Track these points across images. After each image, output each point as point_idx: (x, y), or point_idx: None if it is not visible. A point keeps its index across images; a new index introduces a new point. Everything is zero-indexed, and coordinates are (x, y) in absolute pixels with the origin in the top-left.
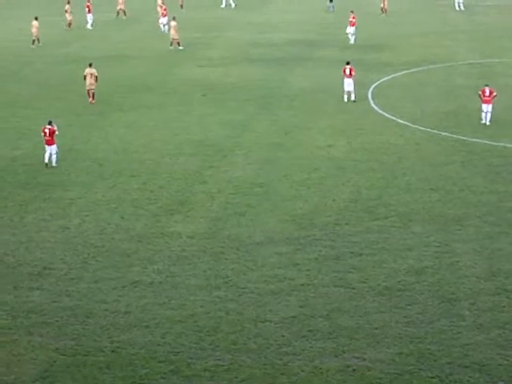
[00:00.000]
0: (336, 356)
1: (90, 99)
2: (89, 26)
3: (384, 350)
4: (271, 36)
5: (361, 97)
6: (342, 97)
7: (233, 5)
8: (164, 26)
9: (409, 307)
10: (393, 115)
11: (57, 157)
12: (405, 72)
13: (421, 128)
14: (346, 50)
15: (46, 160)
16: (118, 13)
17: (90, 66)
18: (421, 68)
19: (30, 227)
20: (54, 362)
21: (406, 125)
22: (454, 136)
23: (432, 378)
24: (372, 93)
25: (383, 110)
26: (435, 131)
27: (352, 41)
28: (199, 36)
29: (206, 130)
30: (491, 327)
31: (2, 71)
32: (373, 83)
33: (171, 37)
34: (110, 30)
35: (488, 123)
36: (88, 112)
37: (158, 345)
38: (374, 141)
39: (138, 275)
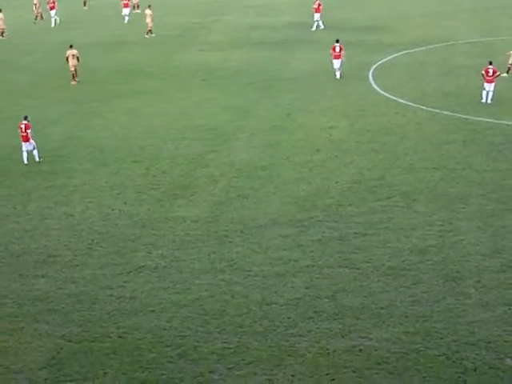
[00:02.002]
0: (342, 336)
1: (74, 82)
2: (53, 24)
3: (390, 329)
4: (271, 19)
5: (362, 78)
6: (334, 74)
7: None
8: (126, 16)
9: (414, 286)
10: (394, 95)
11: (38, 152)
12: (405, 52)
13: (422, 107)
14: (345, 31)
15: (25, 161)
16: (84, 3)
17: (71, 47)
18: (421, 48)
19: (34, 215)
20: (61, 348)
21: (407, 105)
22: (456, 115)
23: (439, 356)
24: (373, 73)
25: (384, 91)
26: (437, 110)
27: (314, 27)
28: (198, 21)
29: (208, 114)
30: (497, 304)
31: (2, 60)
32: (373, 64)
33: (148, 25)
34: (107, 16)
35: (490, 102)
36: (88, 99)
37: (165, 329)
38: (376, 121)
39: (142, 260)
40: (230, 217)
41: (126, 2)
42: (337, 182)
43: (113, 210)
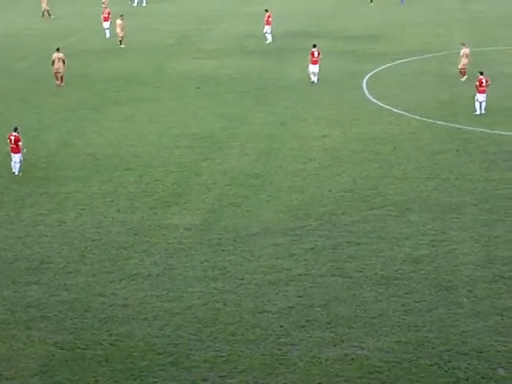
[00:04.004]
0: (334, 345)
1: (58, 82)
2: None
3: (382, 338)
4: None
5: (356, 87)
6: (309, 77)
7: None
8: (107, 30)
9: (406, 296)
10: (388, 105)
11: (20, 166)
12: (399, 61)
13: (416, 117)
14: (340, 40)
15: (13, 169)
16: (43, 13)
17: (58, 50)
18: (415, 57)
19: (27, 222)
20: (53, 356)
21: (401, 114)
22: (449, 124)
23: (431, 365)
24: (367, 83)
25: (378, 100)
26: (430, 120)
27: (269, 39)
28: (193, 28)
29: (201, 122)
30: (489, 314)
31: None
32: (368, 73)
33: (118, 35)
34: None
35: (483, 112)
36: (83, 106)
37: (157, 337)
38: (370, 131)
39: (135, 268)
40: (223, 225)
41: (105, 15)
42: (330, 191)
43: (106, 217)
